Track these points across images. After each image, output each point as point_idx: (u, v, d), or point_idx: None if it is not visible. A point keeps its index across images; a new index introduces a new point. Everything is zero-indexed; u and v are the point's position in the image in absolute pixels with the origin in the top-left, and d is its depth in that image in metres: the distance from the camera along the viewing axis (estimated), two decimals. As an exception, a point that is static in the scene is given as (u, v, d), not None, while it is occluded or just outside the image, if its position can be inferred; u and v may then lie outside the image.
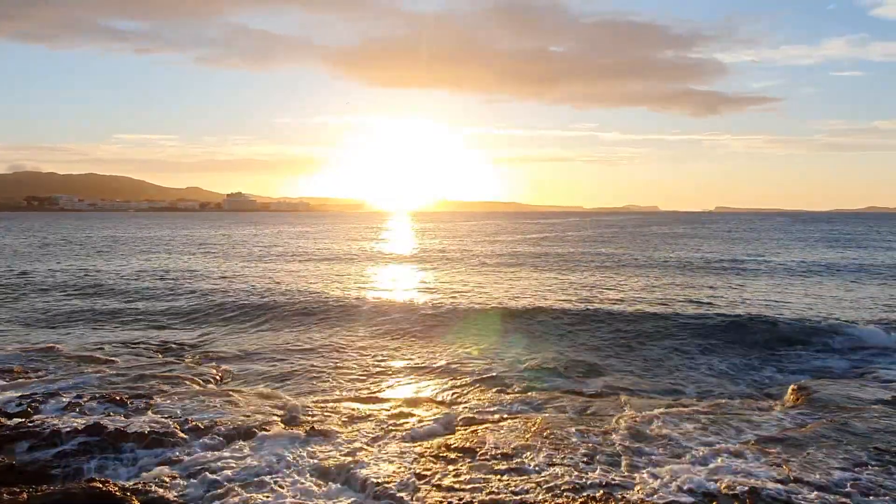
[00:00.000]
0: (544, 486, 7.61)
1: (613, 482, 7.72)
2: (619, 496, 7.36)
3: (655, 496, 7.37)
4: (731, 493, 7.41)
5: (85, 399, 10.76)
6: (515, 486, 7.66)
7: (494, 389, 12.08)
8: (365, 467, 8.15)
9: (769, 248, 50.77)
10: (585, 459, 8.44)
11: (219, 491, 7.51)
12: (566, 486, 7.58)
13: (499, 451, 8.70)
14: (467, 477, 7.92)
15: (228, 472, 7.97)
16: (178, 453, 8.60)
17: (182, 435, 9.17)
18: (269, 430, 9.50)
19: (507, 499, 7.35)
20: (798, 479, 7.76)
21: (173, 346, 15.87)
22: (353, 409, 10.65)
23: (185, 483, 7.72)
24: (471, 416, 10.40)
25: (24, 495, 7.11)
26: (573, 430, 9.54)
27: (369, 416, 10.32)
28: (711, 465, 8.23)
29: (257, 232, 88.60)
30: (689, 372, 13.78)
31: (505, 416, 10.42)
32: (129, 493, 7.21)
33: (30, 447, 8.68)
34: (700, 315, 18.95)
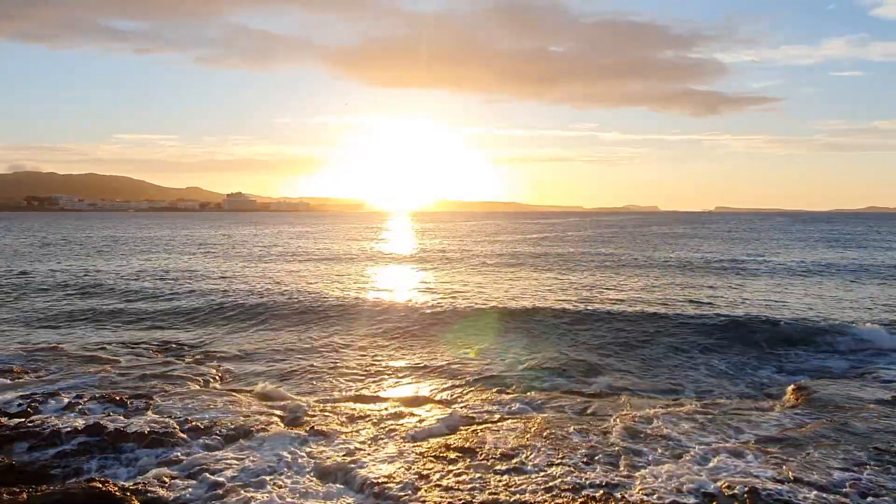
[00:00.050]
0: (544, 487, 7.61)
1: (613, 482, 7.73)
2: (619, 496, 7.36)
3: (655, 496, 7.37)
4: (730, 493, 7.41)
5: (85, 399, 10.77)
6: (515, 486, 7.66)
7: (494, 389, 12.08)
8: (365, 467, 8.16)
9: (769, 248, 50.76)
10: (585, 459, 8.45)
11: (219, 491, 7.52)
12: (566, 486, 7.59)
13: (499, 452, 8.71)
14: (467, 477, 7.93)
15: (228, 473, 7.98)
16: (178, 453, 8.61)
17: (182, 435, 9.18)
18: (269, 430, 9.51)
19: (507, 499, 7.35)
20: (798, 479, 7.76)
21: (173, 345, 15.87)
22: (353, 409, 10.66)
23: (185, 483, 7.74)
24: (470, 416, 10.41)
25: (24, 495, 7.12)
26: (573, 430, 9.54)
27: (369, 416, 10.33)
28: (711, 465, 8.24)
29: (257, 232, 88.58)
30: (689, 372, 13.78)
31: (505, 416, 10.43)
32: (128, 493, 7.22)
33: (30, 447, 8.69)
34: (700, 315, 18.95)
